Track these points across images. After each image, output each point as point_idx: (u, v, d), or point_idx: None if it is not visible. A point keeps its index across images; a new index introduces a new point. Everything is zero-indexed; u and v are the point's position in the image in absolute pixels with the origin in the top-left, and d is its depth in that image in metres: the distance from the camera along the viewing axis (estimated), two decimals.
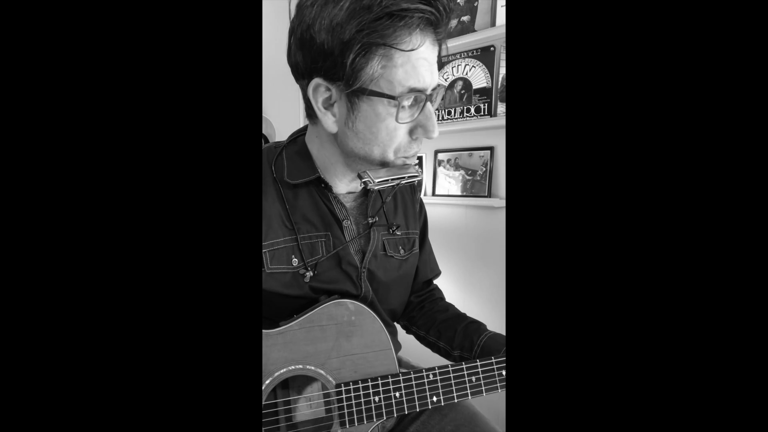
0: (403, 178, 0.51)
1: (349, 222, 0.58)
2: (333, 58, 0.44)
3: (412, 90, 0.45)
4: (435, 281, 0.75)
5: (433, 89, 0.48)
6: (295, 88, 0.53)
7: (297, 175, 0.55)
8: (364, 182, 0.50)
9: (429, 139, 0.49)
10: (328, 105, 0.49)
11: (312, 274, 0.53)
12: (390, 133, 0.48)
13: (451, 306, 0.71)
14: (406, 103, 0.46)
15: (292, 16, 0.49)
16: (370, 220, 0.59)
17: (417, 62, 0.44)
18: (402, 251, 0.63)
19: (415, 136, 0.49)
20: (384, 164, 0.50)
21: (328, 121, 0.49)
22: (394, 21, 0.41)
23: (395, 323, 0.69)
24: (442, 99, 1.37)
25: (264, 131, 1.87)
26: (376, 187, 0.50)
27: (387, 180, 0.50)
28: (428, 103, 0.48)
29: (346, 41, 0.42)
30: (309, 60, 0.47)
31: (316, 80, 0.47)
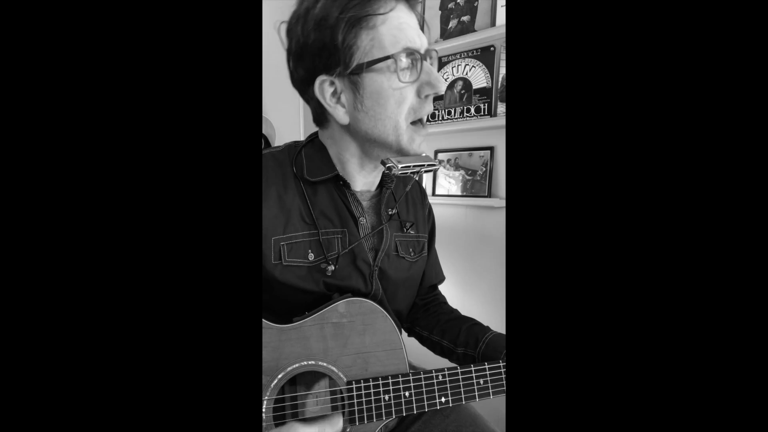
0: (423, 166, 0.53)
1: (364, 220, 0.59)
2: (327, 47, 0.48)
3: (406, 49, 0.48)
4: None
5: (426, 51, 0.51)
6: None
7: (316, 173, 0.56)
8: (388, 167, 0.52)
9: (438, 94, 0.52)
10: (336, 97, 0.51)
11: (334, 267, 0.54)
12: (398, 99, 0.50)
13: (455, 310, 0.72)
14: (404, 63, 0.49)
15: (285, 45, 0.53)
16: (390, 212, 0.60)
17: (401, 25, 0.48)
18: (412, 253, 0.65)
19: (424, 93, 0.51)
20: (397, 139, 0.52)
21: (339, 113, 0.52)
22: None
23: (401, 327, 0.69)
24: (442, 98, 1.39)
25: (264, 131, 1.87)
26: (399, 173, 0.52)
27: (409, 166, 0.52)
28: (425, 62, 0.50)
29: (333, 26, 0.46)
30: (309, 64, 0.50)
31: (320, 78, 0.50)
